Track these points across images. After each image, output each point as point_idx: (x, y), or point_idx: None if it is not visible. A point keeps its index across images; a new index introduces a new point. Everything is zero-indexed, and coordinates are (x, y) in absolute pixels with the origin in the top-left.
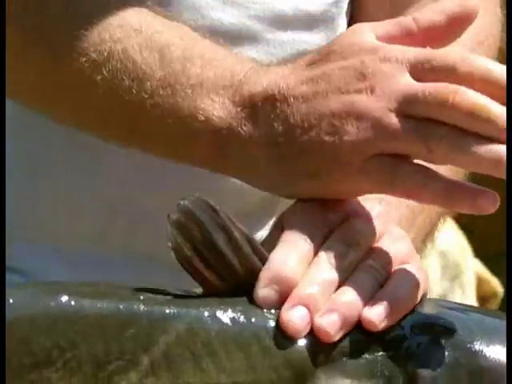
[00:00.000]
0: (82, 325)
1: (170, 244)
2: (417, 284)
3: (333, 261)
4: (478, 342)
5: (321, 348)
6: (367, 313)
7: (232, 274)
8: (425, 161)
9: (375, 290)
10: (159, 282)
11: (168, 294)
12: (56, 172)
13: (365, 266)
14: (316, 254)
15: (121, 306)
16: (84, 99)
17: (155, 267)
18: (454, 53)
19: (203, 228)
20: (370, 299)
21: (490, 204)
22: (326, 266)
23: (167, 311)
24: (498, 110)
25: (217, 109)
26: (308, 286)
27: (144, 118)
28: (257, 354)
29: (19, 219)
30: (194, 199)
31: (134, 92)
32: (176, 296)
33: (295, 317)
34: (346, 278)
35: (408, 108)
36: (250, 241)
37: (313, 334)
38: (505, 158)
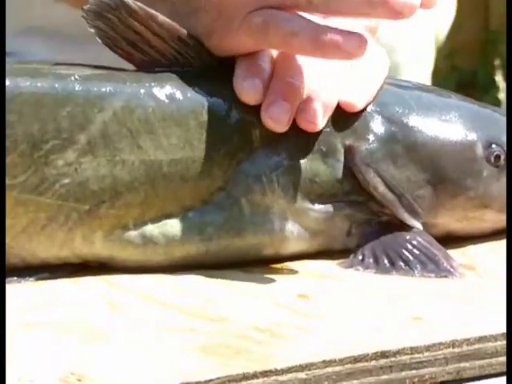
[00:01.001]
0: (17, 104)
1: (92, 30)
2: (383, 64)
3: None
4: (414, 117)
5: (257, 125)
6: (347, 97)
7: (158, 53)
8: (310, 13)
9: (347, 72)
10: None
11: (104, 71)
12: None
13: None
14: None
15: (56, 85)
16: None
17: None
18: None
19: (119, 15)
20: (345, 81)
21: (356, 48)
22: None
23: (103, 89)
24: None
25: None
26: (285, 77)
27: None
28: (194, 130)
29: None
30: None
31: None
32: (112, 74)
33: (278, 112)
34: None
35: None
36: (170, 27)
37: (248, 111)
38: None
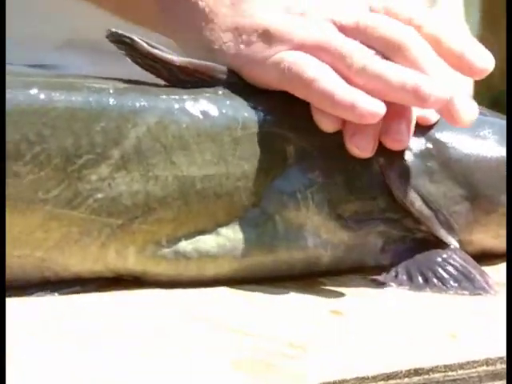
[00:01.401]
0: (51, 118)
1: (120, 51)
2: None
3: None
4: (449, 134)
5: (292, 142)
6: (425, 113)
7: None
8: (345, 78)
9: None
10: None
11: (139, 86)
12: None
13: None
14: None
15: (90, 99)
16: None
17: None
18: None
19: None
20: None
21: (370, 114)
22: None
23: (137, 104)
24: (422, 55)
25: None
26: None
27: None
28: (228, 146)
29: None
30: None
31: None
32: (147, 88)
33: (364, 142)
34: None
35: (347, 31)
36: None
37: (283, 127)
38: (414, 86)
